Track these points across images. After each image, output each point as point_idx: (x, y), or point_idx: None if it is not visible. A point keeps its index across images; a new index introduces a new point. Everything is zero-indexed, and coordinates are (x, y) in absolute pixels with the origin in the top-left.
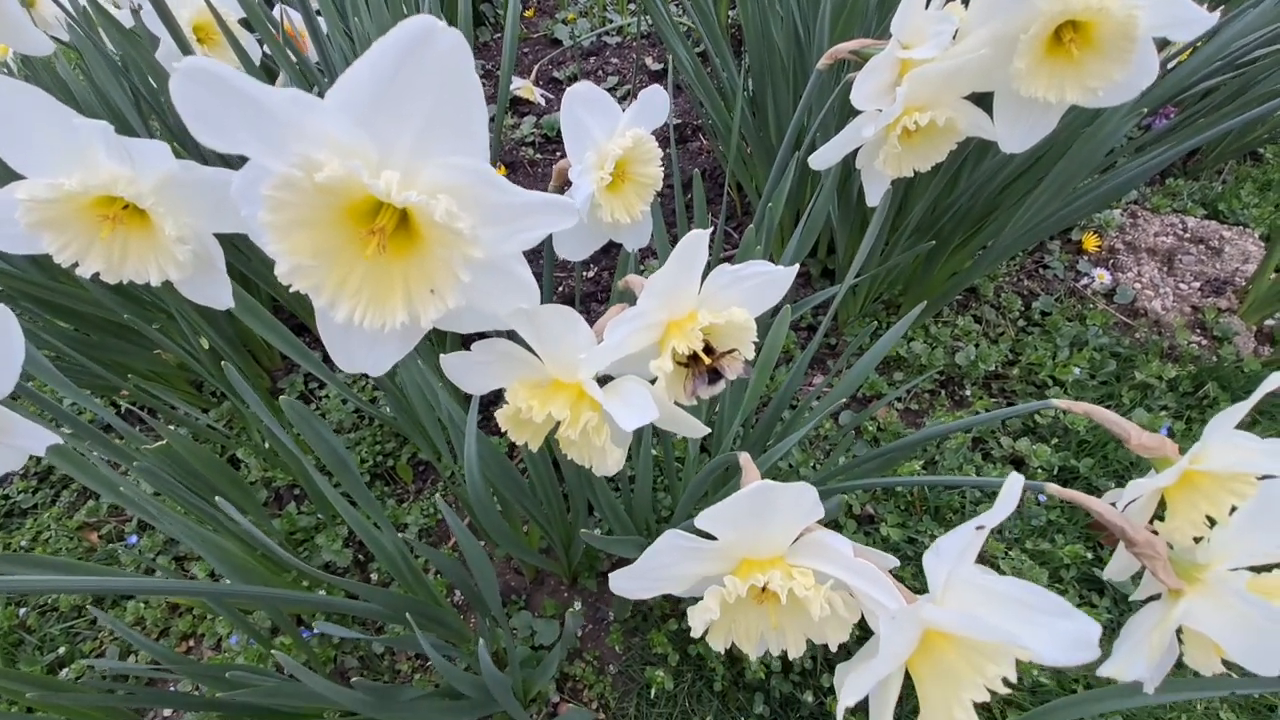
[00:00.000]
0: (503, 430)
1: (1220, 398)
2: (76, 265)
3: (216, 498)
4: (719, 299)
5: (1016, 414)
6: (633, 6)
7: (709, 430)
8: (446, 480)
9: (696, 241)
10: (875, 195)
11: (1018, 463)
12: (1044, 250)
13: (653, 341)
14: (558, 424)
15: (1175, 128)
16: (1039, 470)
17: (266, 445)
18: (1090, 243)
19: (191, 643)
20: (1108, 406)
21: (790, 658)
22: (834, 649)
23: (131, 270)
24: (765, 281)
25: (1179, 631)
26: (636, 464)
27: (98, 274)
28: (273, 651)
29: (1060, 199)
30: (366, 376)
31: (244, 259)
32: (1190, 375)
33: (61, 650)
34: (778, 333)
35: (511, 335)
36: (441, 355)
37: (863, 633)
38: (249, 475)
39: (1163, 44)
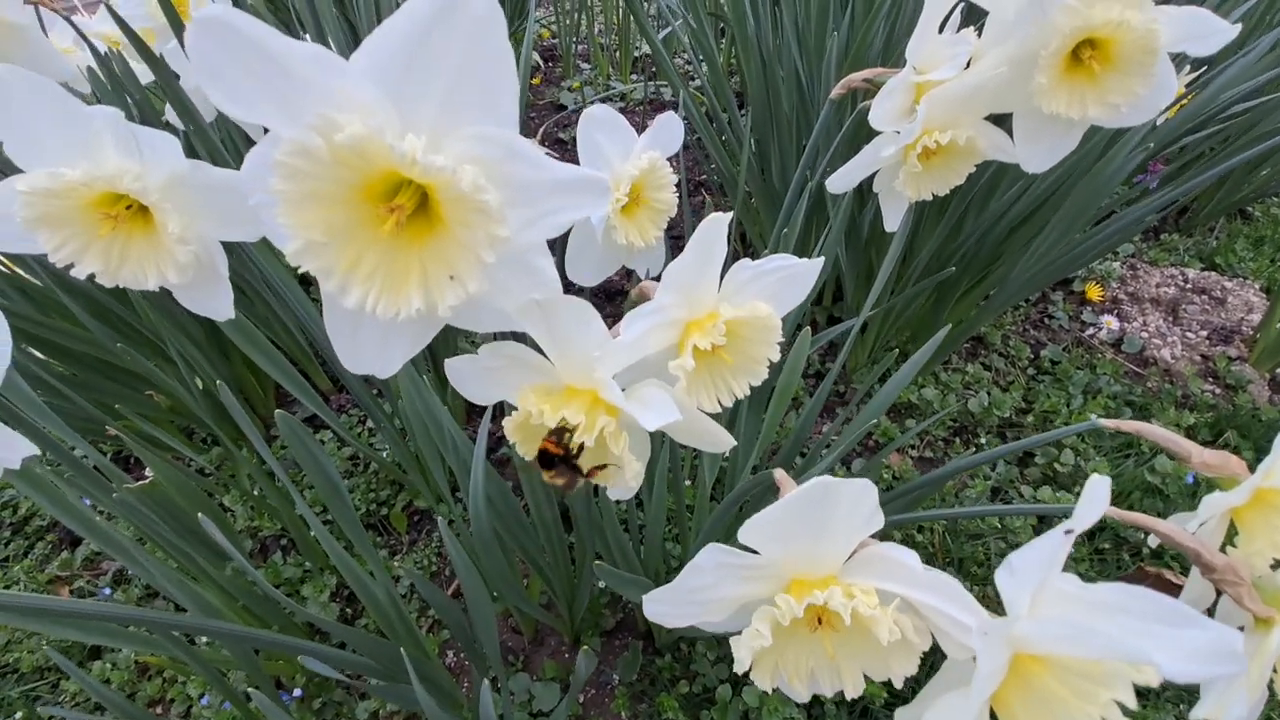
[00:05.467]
0: (509, 457)
1: (1241, 445)
2: (72, 266)
3: (201, 515)
4: (740, 296)
5: (1060, 436)
6: (635, 76)
7: (735, 443)
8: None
9: (716, 226)
10: (893, 220)
11: (1039, 515)
12: (1048, 301)
13: (670, 343)
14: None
15: (1168, 179)
16: (1062, 521)
17: (256, 491)
18: (1093, 293)
19: (159, 709)
20: (1127, 455)
21: (848, 696)
22: (899, 684)
23: (130, 273)
24: (789, 276)
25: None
26: (648, 511)
27: (93, 275)
28: (249, 689)
29: (1069, 236)
30: (364, 420)
31: (248, 303)
32: (1208, 423)
33: (20, 715)
34: (798, 354)
35: (520, 339)
36: (446, 360)
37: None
38: (235, 524)
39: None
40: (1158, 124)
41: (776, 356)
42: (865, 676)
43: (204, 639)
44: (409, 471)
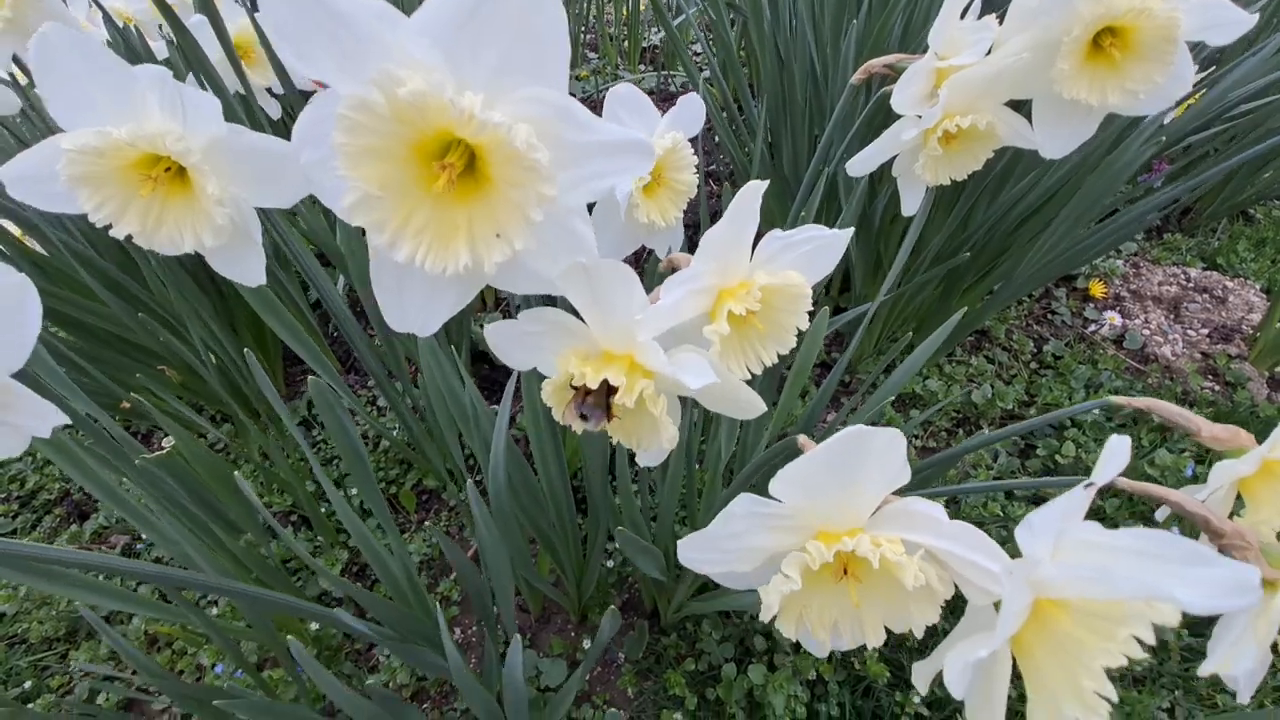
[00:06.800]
0: (523, 435)
1: None
2: (110, 226)
3: (235, 473)
4: (772, 265)
5: (1073, 413)
6: (642, 66)
7: (765, 408)
8: (456, 506)
9: (752, 195)
10: (911, 204)
11: (1039, 501)
12: (1051, 296)
13: (702, 311)
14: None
15: (1172, 178)
16: None
17: (269, 464)
18: (1096, 289)
19: None
20: None
21: (869, 646)
22: (919, 634)
23: (166, 235)
24: (819, 247)
25: None
26: (660, 491)
27: (130, 236)
28: (288, 638)
29: (1078, 229)
30: (375, 401)
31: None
32: (1206, 419)
33: (28, 685)
34: (814, 334)
35: (552, 305)
36: (486, 325)
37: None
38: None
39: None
40: (1166, 121)
41: (806, 325)
42: (875, 652)
43: (215, 609)
44: (423, 448)
